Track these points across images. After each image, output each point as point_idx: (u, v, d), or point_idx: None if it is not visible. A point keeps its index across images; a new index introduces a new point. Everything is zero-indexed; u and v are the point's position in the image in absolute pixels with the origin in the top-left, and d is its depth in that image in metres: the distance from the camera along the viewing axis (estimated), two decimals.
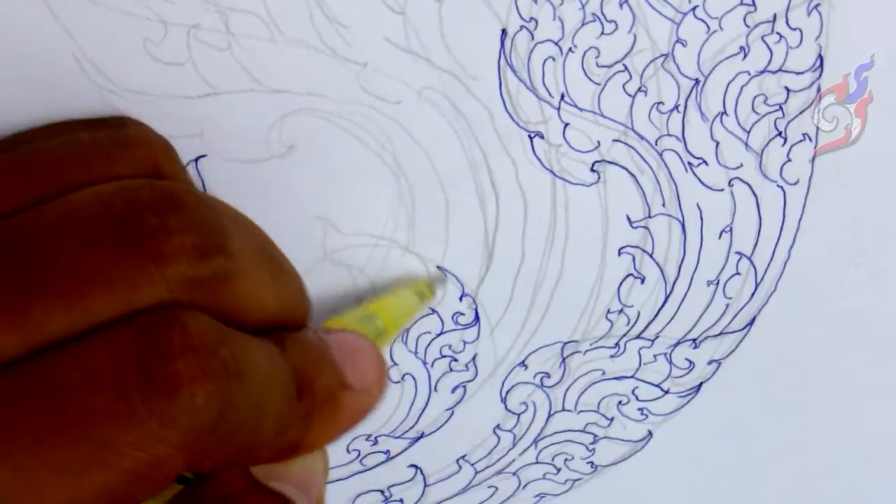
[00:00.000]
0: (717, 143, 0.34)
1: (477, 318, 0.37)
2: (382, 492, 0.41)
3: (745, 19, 0.32)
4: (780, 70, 0.33)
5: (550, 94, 0.33)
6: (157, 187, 0.26)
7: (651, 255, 0.36)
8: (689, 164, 0.34)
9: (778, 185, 0.35)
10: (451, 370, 0.38)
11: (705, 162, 0.34)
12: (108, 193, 0.25)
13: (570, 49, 0.32)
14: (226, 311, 0.25)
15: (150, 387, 0.23)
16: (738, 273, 0.36)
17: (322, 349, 0.28)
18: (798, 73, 0.33)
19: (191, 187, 0.28)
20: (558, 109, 0.33)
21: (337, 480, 0.40)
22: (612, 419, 0.39)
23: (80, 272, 0.23)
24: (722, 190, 0.35)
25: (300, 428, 0.27)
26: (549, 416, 0.39)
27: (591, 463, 0.40)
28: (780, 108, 0.33)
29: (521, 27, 0.32)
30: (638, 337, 0.37)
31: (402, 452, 0.40)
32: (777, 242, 0.36)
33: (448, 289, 0.36)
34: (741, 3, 0.32)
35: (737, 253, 0.36)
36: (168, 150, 0.30)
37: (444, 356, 0.38)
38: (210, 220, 0.26)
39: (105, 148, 0.28)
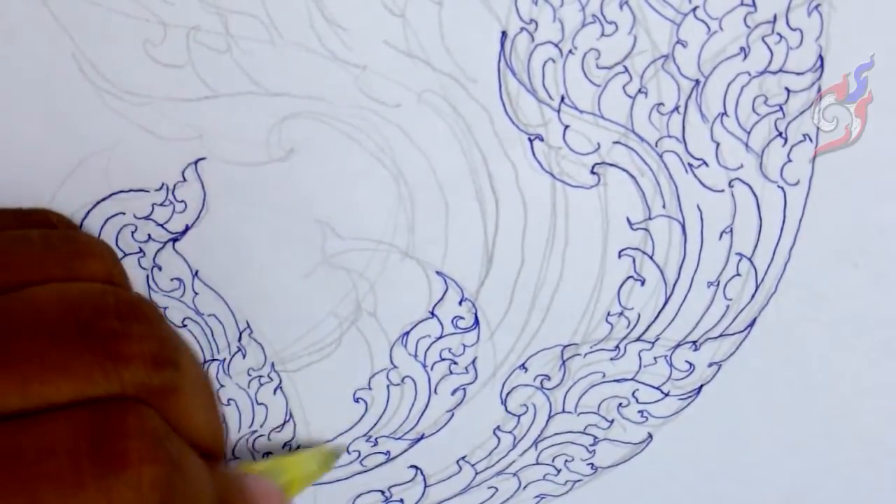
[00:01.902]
0: (718, 144, 0.34)
1: (476, 321, 0.37)
2: (383, 492, 0.41)
3: (745, 20, 0.32)
4: (780, 70, 0.33)
5: (550, 97, 0.33)
6: (123, 296, 0.27)
7: (651, 257, 0.36)
8: (690, 165, 0.34)
9: (778, 186, 0.35)
10: (451, 373, 0.38)
11: (706, 163, 0.34)
12: (73, 295, 0.27)
13: (570, 51, 0.32)
14: (169, 421, 0.26)
15: (101, 460, 0.24)
16: (738, 274, 0.36)
17: (242, 483, 0.30)
18: (798, 74, 0.33)
19: (153, 304, 0.30)
20: (558, 111, 0.33)
21: (337, 481, 0.40)
22: (612, 421, 0.39)
23: (45, 361, 0.25)
24: (722, 191, 0.35)
25: None
26: (550, 417, 0.39)
27: (592, 464, 0.40)
28: (781, 108, 0.33)
29: (521, 29, 0.32)
30: (638, 339, 0.37)
31: (402, 453, 0.40)
32: (777, 243, 0.36)
33: (448, 293, 0.36)
34: (741, 4, 0.32)
35: (737, 254, 0.36)
36: (117, 260, 0.31)
37: (443, 359, 0.38)
38: (168, 334, 0.27)
39: (60, 251, 0.29)
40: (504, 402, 0.39)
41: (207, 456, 0.28)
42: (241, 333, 0.37)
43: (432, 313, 0.37)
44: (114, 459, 0.24)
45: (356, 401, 0.38)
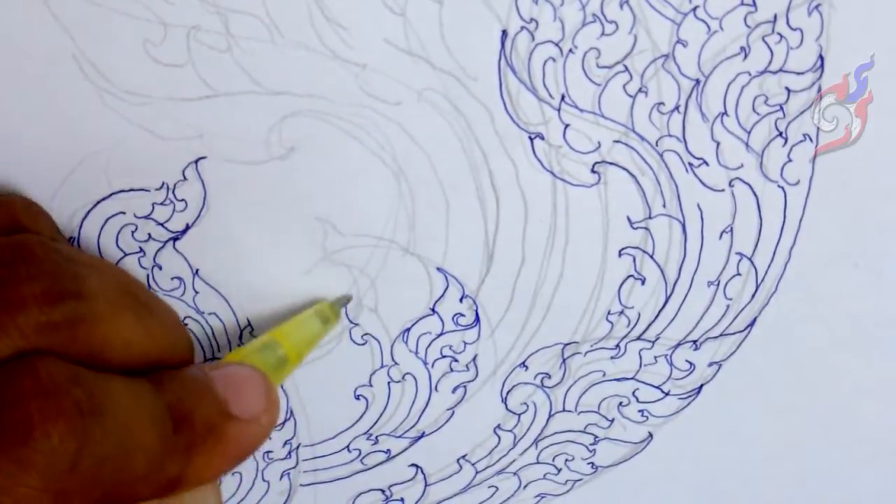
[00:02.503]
0: (718, 144, 0.34)
1: (477, 319, 0.37)
2: (383, 491, 0.41)
3: (745, 20, 0.32)
4: (780, 70, 0.33)
5: (551, 95, 0.33)
6: (8, 241, 0.27)
7: (652, 256, 0.36)
8: (690, 164, 0.34)
9: (778, 186, 0.35)
10: (452, 370, 0.38)
11: (706, 162, 0.34)
12: None
13: (570, 50, 0.32)
14: (84, 353, 0.26)
15: (4, 432, 0.23)
16: (738, 274, 0.36)
17: (202, 382, 0.29)
18: (798, 74, 0.33)
19: (43, 239, 0.28)
20: (559, 110, 0.33)
21: (337, 479, 0.40)
22: (612, 420, 0.39)
23: None
24: (723, 190, 0.35)
25: (180, 462, 0.27)
26: (550, 416, 0.39)
27: (592, 464, 0.40)
28: (781, 108, 0.33)
29: (522, 28, 0.32)
30: (638, 338, 0.37)
31: (402, 452, 0.40)
32: (778, 243, 0.36)
33: (449, 290, 0.36)
34: (742, 4, 0.32)
35: (737, 253, 0.36)
36: (29, 208, 0.30)
37: (444, 356, 0.38)
38: (61, 266, 0.27)
39: None
40: (504, 401, 0.39)
41: (156, 368, 0.28)
42: (242, 332, 0.37)
43: (433, 310, 0.37)
44: (16, 429, 0.23)
45: (357, 398, 0.38)
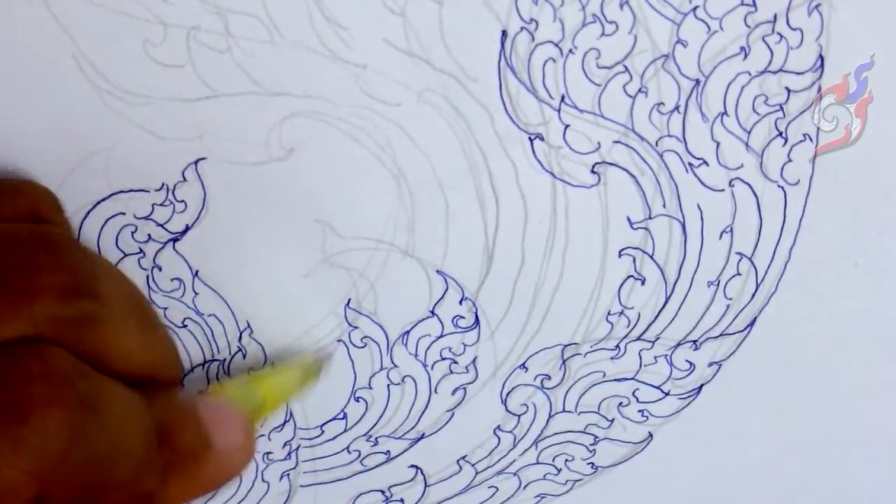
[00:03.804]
0: (718, 144, 0.34)
1: (477, 321, 0.37)
2: (383, 492, 0.41)
3: (745, 20, 0.32)
4: (780, 70, 0.33)
5: (551, 96, 0.33)
6: (33, 230, 0.27)
7: (651, 257, 0.36)
8: (690, 164, 0.34)
9: (778, 186, 0.35)
10: (452, 372, 0.38)
11: (706, 162, 0.34)
12: None
13: (570, 50, 0.32)
14: (90, 352, 0.26)
15: (3, 409, 0.23)
16: (738, 274, 0.36)
17: (189, 407, 0.29)
18: (798, 74, 0.33)
19: (67, 233, 0.29)
20: (559, 111, 0.33)
21: (337, 481, 0.40)
22: (612, 421, 0.39)
23: None
24: (722, 190, 0.35)
25: (158, 478, 0.27)
26: (550, 417, 0.39)
27: (592, 464, 0.40)
28: (781, 108, 0.33)
29: (522, 28, 0.32)
30: (638, 339, 0.37)
31: (402, 453, 0.40)
32: (778, 243, 0.36)
33: (448, 292, 0.36)
34: (742, 4, 0.32)
35: (737, 253, 0.36)
36: (48, 197, 0.30)
37: (444, 359, 0.38)
38: (82, 264, 0.27)
39: None
40: (504, 402, 0.39)
41: (149, 383, 0.28)
42: (241, 333, 0.37)
43: (433, 312, 0.37)
44: (16, 407, 0.23)
45: (356, 400, 0.38)
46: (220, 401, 0.31)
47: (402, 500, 0.41)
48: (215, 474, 0.29)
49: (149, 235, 0.34)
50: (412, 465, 0.40)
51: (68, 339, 0.25)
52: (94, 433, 0.24)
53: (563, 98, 0.33)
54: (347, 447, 0.40)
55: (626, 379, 0.38)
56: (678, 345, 0.37)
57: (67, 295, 0.26)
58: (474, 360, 0.38)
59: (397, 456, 0.40)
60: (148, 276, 0.35)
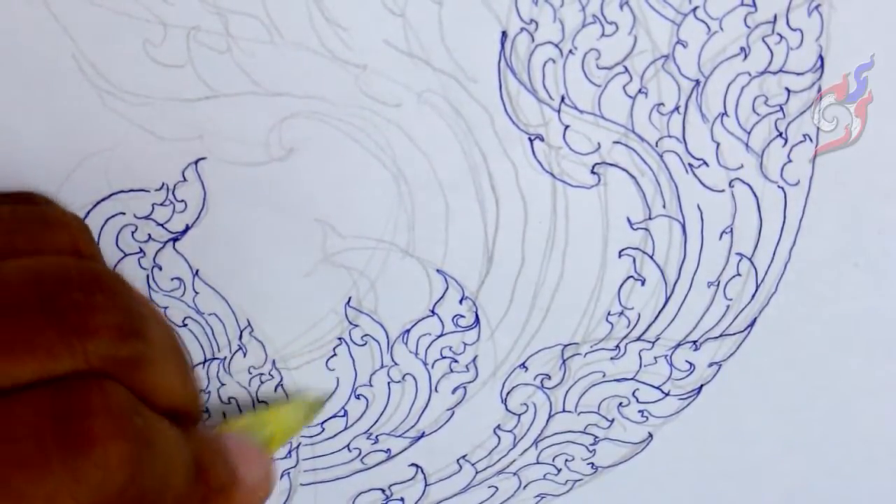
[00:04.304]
0: (718, 144, 0.34)
1: (477, 320, 0.37)
2: (383, 490, 0.41)
3: (745, 20, 0.32)
4: (780, 71, 0.33)
5: (551, 97, 0.33)
6: (86, 268, 0.27)
7: (651, 257, 0.36)
8: (690, 165, 0.34)
9: (778, 186, 0.35)
10: (452, 371, 0.38)
11: (706, 163, 0.34)
12: (37, 269, 0.26)
13: (570, 51, 0.32)
14: (139, 391, 0.26)
15: (66, 441, 0.23)
16: (738, 274, 0.36)
17: (219, 443, 0.30)
18: (798, 74, 0.33)
19: (118, 274, 0.29)
20: (558, 111, 0.33)
21: (337, 479, 0.40)
22: (612, 421, 0.39)
23: (7, 338, 0.24)
24: (722, 191, 0.35)
25: None
26: (550, 416, 0.39)
27: (592, 464, 0.40)
28: (781, 108, 0.33)
29: (522, 29, 0.32)
30: (638, 339, 0.37)
31: (402, 451, 0.40)
32: (778, 243, 0.36)
33: (448, 291, 0.36)
34: (742, 4, 0.32)
35: (737, 254, 0.36)
36: (85, 231, 0.31)
37: (444, 357, 0.38)
38: (132, 305, 0.27)
39: (27, 225, 0.29)
40: (504, 401, 0.39)
41: (183, 419, 0.28)
42: (241, 332, 0.37)
43: (433, 311, 0.37)
44: (79, 439, 0.23)
45: (357, 397, 0.39)
46: (243, 436, 0.32)
47: (402, 499, 0.41)
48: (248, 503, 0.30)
49: (149, 235, 0.34)
50: (412, 464, 0.40)
51: (120, 378, 0.26)
52: (148, 467, 0.25)
53: (563, 99, 0.33)
54: (348, 445, 0.40)
55: (626, 379, 0.38)
56: (678, 345, 0.37)
57: (122, 335, 0.26)
58: (474, 359, 0.38)
59: (397, 454, 0.40)
60: (148, 276, 0.35)
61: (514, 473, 0.41)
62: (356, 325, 0.37)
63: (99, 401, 0.24)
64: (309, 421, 0.38)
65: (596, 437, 0.40)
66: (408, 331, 0.37)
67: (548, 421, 0.39)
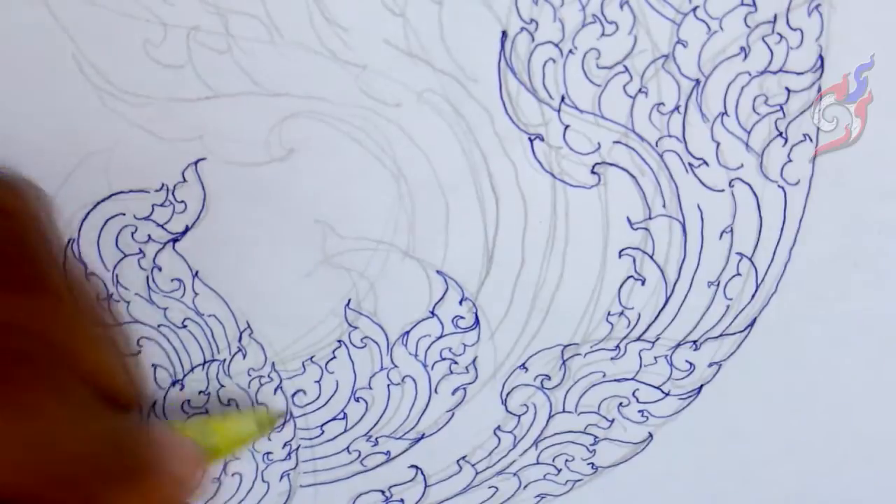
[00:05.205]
0: (718, 144, 0.34)
1: (477, 321, 0.37)
2: (383, 492, 0.41)
3: (745, 20, 0.32)
4: (780, 70, 0.33)
5: (551, 96, 0.33)
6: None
7: (651, 257, 0.36)
8: (690, 164, 0.34)
9: (779, 186, 0.35)
10: (452, 372, 0.38)
11: (706, 163, 0.34)
12: None
13: (570, 51, 0.32)
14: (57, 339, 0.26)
15: None
16: (738, 274, 0.36)
17: (149, 429, 0.30)
18: (799, 74, 0.33)
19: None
20: (559, 111, 0.33)
21: (337, 481, 0.40)
22: (612, 421, 0.39)
23: None
24: (722, 190, 0.35)
25: (111, 486, 0.28)
26: (550, 417, 0.39)
27: (592, 464, 0.40)
28: (781, 108, 0.33)
29: (522, 29, 0.32)
30: (638, 339, 0.37)
31: (402, 453, 0.40)
32: (778, 243, 0.36)
33: (448, 292, 0.36)
34: (742, 4, 0.32)
35: (737, 254, 0.36)
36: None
37: (444, 359, 0.38)
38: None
39: None
40: (504, 402, 0.39)
41: (114, 403, 0.28)
42: (241, 334, 0.37)
43: (433, 313, 0.37)
44: None
45: (356, 400, 0.38)
46: (179, 436, 0.32)
47: (402, 501, 0.41)
48: (166, 496, 0.30)
49: (149, 236, 0.34)
50: (412, 466, 0.40)
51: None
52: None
53: (563, 98, 0.33)
54: (347, 447, 0.40)
55: (626, 379, 0.38)
56: (678, 345, 0.37)
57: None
58: (474, 361, 0.38)
59: (397, 456, 0.40)
60: (148, 277, 0.35)
61: (515, 474, 0.41)
62: (356, 328, 0.37)
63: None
64: (262, 433, 0.38)
65: (596, 437, 0.40)
66: (407, 332, 0.37)
67: (548, 421, 0.39)
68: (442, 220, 0.35)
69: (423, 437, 0.39)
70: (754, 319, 0.37)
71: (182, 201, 0.34)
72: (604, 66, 0.32)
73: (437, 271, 0.36)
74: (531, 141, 0.33)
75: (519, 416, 0.39)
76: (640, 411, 0.39)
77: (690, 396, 0.39)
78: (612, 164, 0.34)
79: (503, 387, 0.38)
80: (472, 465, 0.40)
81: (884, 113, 0.33)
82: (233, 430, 0.36)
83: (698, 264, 0.36)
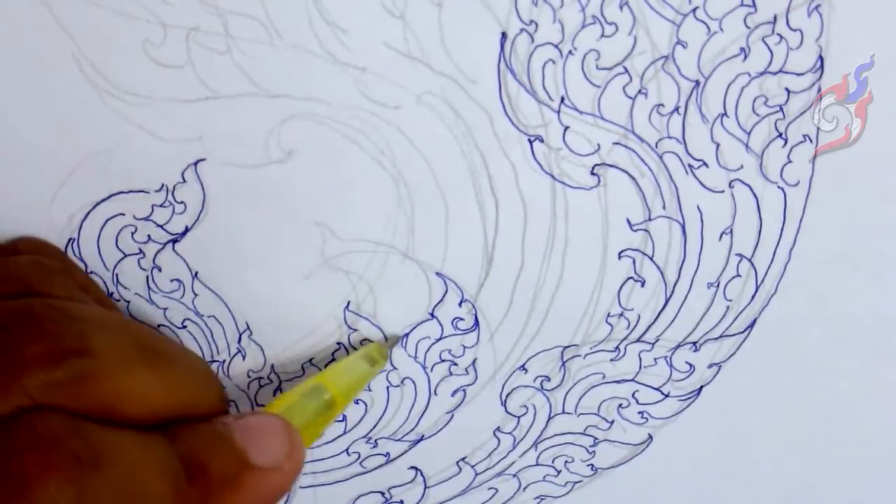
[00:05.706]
0: (718, 145, 0.34)
1: (476, 323, 0.37)
2: (383, 493, 0.41)
3: (745, 20, 0.32)
4: (780, 71, 0.33)
5: (550, 98, 0.33)
6: (9, 305, 0.27)
7: (651, 258, 0.36)
8: (690, 166, 0.34)
9: (778, 187, 0.35)
10: (451, 374, 0.38)
11: (706, 164, 0.34)
12: None
13: (570, 52, 0.32)
14: (95, 408, 0.26)
15: (4, 484, 0.24)
16: (738, 275, 0.36)
17: (218, 432, 0.29)
18: (798, 75, 0.33)
19: (46, 300, 0.29)
20: (558, 113, 0.33)
21: (337, 482, 0.40)
22: (612, 422, 0.39)
23: None
24: (722, 191, 0.35)
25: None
26: (549, 418, 0.39)
27: (592, 465, 0.40)
28: (781, 109, 0.33)
29: (521, 30, 0.32)
30: (638, 340, 0.37)
31: (402, 455, 0.40)
32: (778, 244, 0.36)
33: (448, 294, 0.36)
34: (741, 5, 0.32)
35: (737, 255, 0.36)
36: (39, 265, 0.31)
37: (443, 360, 0.38)
38: (63, 325, 0.27)
39: None
40: (504, 404, 0.39)
41: (182, 418, 0.28)
42: (240, 335, 0.37)
43: (432, 315, 0.37)
44: (14, 479, 0.24)
45: (356, 402, 0.38)
46: (254, 415, 0.30)
47: (401, 502, 0.41)
48: (261, 492, 0.29)
49: (148, 236, 0.34)
50: (412, 467, 0.40)
51: (67, 402, 0.26)
52: (98, 484, 0.25)
53: (562, 100, 0.33)
54: (347, 449, 0.40)
55: (625, 381, 0.38)
56: (678, 346, 0.37)
57: (53, 359, 0.26)
58: (474, 362, 0.38)
59: (397, 458, 0.40)
60: (147, 277, 0.35)
61: (514, 475, 0.41)
62: (355, 330, 0.37)
63: (26, 437, 0.24)
64: (375, 370, 0.36)
65: (596, 438, 0.40)
66: (407, 334, 0.37)
67: (547, 423, 0.39)
68: (441, 222, 0.35)
69: (422, 438, 0.39)
70: (754, 320, 0.37)
71: (182, 202, 0.34)
72: (603, 67, 0.32)
73: (437, 273, 0.36)
74: (531, 142, 0.33)
75: (518, 418, 0.39)
76: (639, 413, 0.39)
77: (690, 398, 0.39)
78: (611, 166, 0.34)
79: (503, 388, 0.38)
80: (472, 467, 0.40)
81: (884, 113, 0.33)
82: (345, 378, 0.35)
83: (698, 265, 0.36)
